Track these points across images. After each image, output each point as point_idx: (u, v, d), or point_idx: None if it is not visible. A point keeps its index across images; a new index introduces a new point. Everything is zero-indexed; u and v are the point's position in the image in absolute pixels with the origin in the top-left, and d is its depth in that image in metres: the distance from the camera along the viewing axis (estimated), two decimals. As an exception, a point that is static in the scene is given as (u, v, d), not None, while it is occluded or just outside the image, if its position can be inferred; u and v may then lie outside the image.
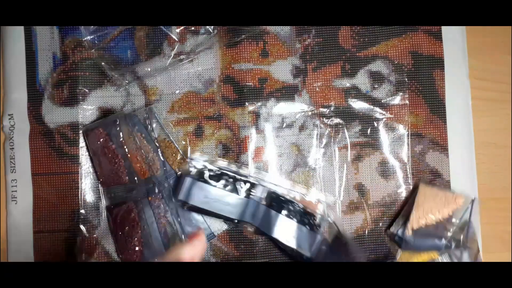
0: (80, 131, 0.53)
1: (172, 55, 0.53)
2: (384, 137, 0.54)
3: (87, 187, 0.53)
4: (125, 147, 0.50)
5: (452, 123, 0.55)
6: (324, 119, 0.54)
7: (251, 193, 0.51)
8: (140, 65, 0.53)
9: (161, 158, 0.51)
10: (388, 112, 0.54)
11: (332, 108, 0.54)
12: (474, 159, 0.55)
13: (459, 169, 0.54)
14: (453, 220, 0.49)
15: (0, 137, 0.54)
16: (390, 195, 0.54)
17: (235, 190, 0.51)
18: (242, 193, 0.51)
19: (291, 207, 0.50)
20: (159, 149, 0.51)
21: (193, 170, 0.51)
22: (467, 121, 0.55)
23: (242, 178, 0.51)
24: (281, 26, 0.55)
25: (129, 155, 0.50)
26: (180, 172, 0.52)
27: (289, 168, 0.54)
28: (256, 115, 0.54)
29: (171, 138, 0.53)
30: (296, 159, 0.54)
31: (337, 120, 0.54)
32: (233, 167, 0.52)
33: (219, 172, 0.51)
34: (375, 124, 0.54)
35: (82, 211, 0.53)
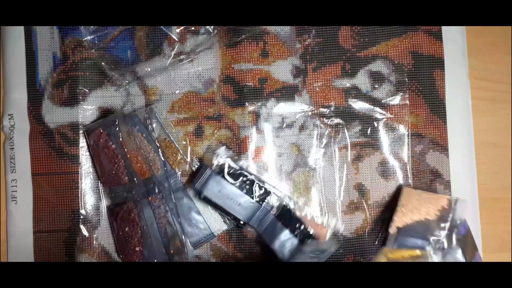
0: (81, 131, 0.53)
1: (172, 55, 0.53)
2: (384, 137, 0.54)
3: (87, 187, 0.53)
4: (124, 147, 0.50)
5: (452, 123, 0.55)
6: (324, 119, 0.54)
7: (265, 200, 0.51)
8: (140, 65, 0.53)
9: (162, 158, 0.51)
10: (388, 112, 0.54)
11: (332, 108, 0.54)
12: (474, 159, 0.55)
13: (459, 169, 0.54)
14: (439, 221, 0.49)
15: (0, 137, 0.54)
16: (390, 195, 0.54)
17: (249, 193, 0.51)
18: (256, 198, 0.51)
19: (297, 225, 0.50)
20: (159, 149, 0.51)
21: (216, 163, 0.51)
22: (467, 121, 0.55)
23: (260, 183, 0.51)
24: (281, 26, 0.55)
25: (128, 155, 0.50)
26: (203, 162, 0.52)
27: (289, 168, 0.54)
28: (256, 115, 0.54)
29: (171, 138, 0.53)
30: (296, 159, 0.54)
31: (337, 120, 0.54)
32: (254, 170, 0.52)
33: (238, 171, 0.51)
34: (375, 124, 0.54)
35: (82, 211, 0.53)
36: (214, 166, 0.51)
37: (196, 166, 0.53)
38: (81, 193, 0.53)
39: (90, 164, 0.53)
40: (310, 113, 0.54)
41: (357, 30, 0.55)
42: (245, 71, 0.54)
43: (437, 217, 0.49)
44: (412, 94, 0.55)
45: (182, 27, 0.53)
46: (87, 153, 0.53)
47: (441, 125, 0.55)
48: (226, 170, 0.51)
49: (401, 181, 0.54)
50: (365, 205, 0.54)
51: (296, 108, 0.54)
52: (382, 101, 0.54)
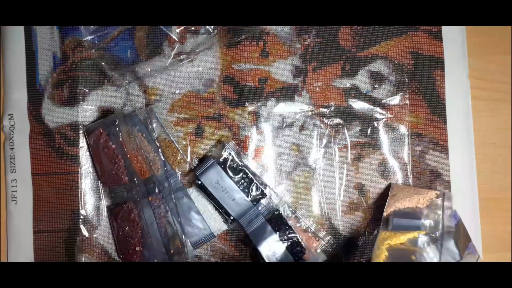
0: (81, 131, 0.53)
1: (172, 55, 0.53)
2: (384, 137, 0.54)
3: (87, 187, 0.53)
4: (124, 147, 0.50)
5: (452, 123, 0.55)
6: (324, 119, 0.54)
7: (259, 201, 0.51)
8: (140, 65, 0.53)
9: (162, 158, 0.51)
10: (388, 112, 0.54)
11: (332, 108, 0.54)
12: (474, 159, 0.55)
13: (459, 169, 0.54)
14: (430, 209, 0.49)
15: (0, 137, 0.54)
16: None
17: (246, 191, 0.51)
18: (251, 197, 0.51)
19: (287, 232, 0.51)
20: (159, 149, 0.51)
21: (225, 155, 0.51)
22: (467, 121, 0.55)
23: (258, 183, 0.51)
24: (281, 26, 0.54)
25: (128, 155, 0.50)
26: (210, 154, 0.53)
27: (289, 168, 0.54)
28: (256, 115, 0.54)
29: (171, 138, 0.53)
30: (296, 159, 0.54)
31: (337, 120, 0.54)
32: (258, 170, 0.53)
33: (240, 167, 0.51)
34: (375, 124, 0.54)
35: (82, 211, 0.53)
36: (222, 158, 0.51)
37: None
38: (81, 193, 0.53)
39: (90, 164, 0.53)
40: (310, 113, 0.54)
41: (357, 30, 0.55)
42: (245, 71, 0.54)
43: (427, 206, 0.49)
44: (412, 94, 0.55)
45: (182, 27, 0.53)
46: (87, 153, 0.53)
47: (441, 125, 0.55)
48: (228, 163, 0.51)
49: (401, 181, 0.54)
50: (365, 205, 0.54)
51: (296, 108, 0.54)
52: (382, 101, 0.54)
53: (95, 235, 0.53)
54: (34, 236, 0.53)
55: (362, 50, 0.55)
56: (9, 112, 0.53)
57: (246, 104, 0.54)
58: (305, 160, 0.54)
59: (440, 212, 0.49)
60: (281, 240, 0.50)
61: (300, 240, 0.51)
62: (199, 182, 0.51)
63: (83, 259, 0.52)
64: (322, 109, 0.54)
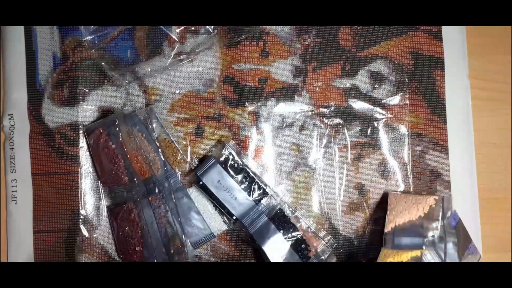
0: (81, 131, 0.53)
1: (172, 55, 0.53)
2: (384, 137, 0.54)
3: (87, 187, 0.53)
4: (124, 147, 0.50)
5: (452, 123, 0.55)
6: (324, 119, 0.54)
7: (261, 201, 0.51)
8: (140, 65, 0.53)
9: (162, 158, 0.51)
10: (388, 112, 0.54)
11: (332, 108, 0.54)
12: (474, 159, 0.55)
13: (459, 169, 0.54)
14: (430, 218, 0.49)
15: (0, 137, 0.54)
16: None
17: (248, 190, 0.51)
18: (253, 196, 0.51)
19: (291, 230, 0.50)
20: (159, 149, 0.51)
21: (225, 155, 0.51)
22: (467, 121, 0.55)
23: (259, 182, 0.51)
24: (281, 26, 0.54)
25: (128, 155, 0.50)
26: (211, 154, 0.53)
27: (289, 168, 0.54)
28: (256, 115, 0.54)
29: (171, 138, 0.53)
30: (296, 159, 0.54)
31: (337, 120, 0.54)
32: (258, 170, 0.53)
33: (241, 166, 0.51)
34: (375, 124, 0.54)
35: (82, 211, 0.53)
36: (223, 157, 0.51)
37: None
38: (81, 193, 0.53)
39: (90, 164, 0.53)
40: (310, 113, 0.54)
41: (357, 30, 0.55)
42: (245, 71, 0.54)
43: (427, 215, 0.49)
44: (412, 94, 0.55)
45: (182, 27, 0.53)
46: (87, 153, 0.53)
47: (441, 125, 0.55)
48: (229, 163, 0.51)
49: (401, 181, 0.54)
50: (365, 205, 0.54)
51: (296, 108, 0.54)
52: (382, 101, 0.54)
53: (95, 235, 0.53)
54: (34, 236, 0.53)
55: (362, 50, 0.55)
56: (9, 112, 0.53)
57: (246, 104, 0.54)
58: (305, 160, 0.54)
59: (440, 219, 0.49)
60: (285, 238, 0.50)
61: (304, 237, 0.50)
62: (201, 183, 0.51)
63: (83, 259, 0.52)
64: (322, 109, 0.54)
